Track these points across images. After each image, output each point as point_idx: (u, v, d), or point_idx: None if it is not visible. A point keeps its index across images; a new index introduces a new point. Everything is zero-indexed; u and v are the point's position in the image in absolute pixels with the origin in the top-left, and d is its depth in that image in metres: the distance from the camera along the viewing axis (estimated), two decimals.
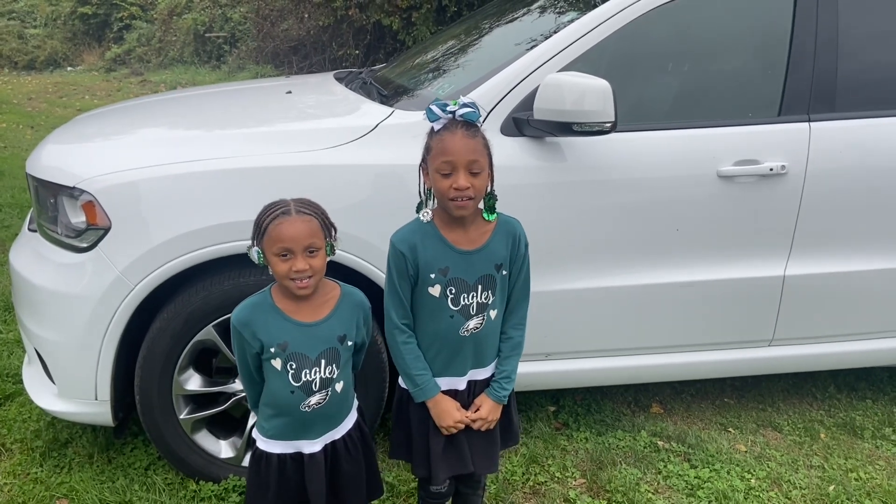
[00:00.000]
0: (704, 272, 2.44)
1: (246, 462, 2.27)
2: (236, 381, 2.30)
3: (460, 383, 1.79)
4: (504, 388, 1.81)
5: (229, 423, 2.43)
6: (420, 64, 3.08)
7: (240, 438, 2.36)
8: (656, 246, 2.40)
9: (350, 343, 1.69)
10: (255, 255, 1.61)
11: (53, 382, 2.30)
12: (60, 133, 2.65)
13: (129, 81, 12.82)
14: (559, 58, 2.28)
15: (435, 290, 1.69)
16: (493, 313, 1.74)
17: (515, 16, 2.95)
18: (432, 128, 1.64)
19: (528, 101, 2.22)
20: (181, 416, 2.27)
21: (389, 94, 2.68)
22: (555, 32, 2.37)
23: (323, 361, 1.65)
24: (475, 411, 1.80)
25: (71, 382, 2.24)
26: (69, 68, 14.92)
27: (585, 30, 2.29)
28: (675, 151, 2.34)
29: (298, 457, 1.72)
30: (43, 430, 2.63)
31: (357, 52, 9.93)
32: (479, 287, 1.70)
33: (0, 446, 2.56)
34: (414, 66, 3.10)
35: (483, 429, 1.80)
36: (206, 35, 13.30)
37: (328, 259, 1.64)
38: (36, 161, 2.36)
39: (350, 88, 2.91)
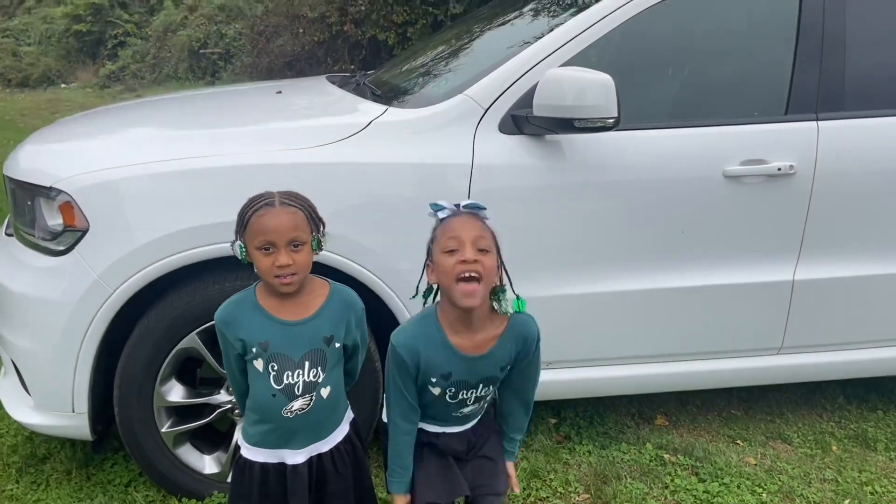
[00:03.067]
0: (710, 276, 2.35)
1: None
2: (221, 392, 2.20)
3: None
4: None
5: (214, 437, 2.32)
6: (415, 66, 3.00)
7: (225, 453, 2.25)
8: (660, 249, 2.31)
9: (338, 345, 1.59)
10: (237, 249, 1.52)
11: (29, 394, 2.19)
12: (39, 134, 2.55)
13: (123, 98, 12.77)
14: (559, 53, 2.20)
15: (435, 390, 1.64)
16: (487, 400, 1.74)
17: (507, 19, 2.88)
18: (437, 222, 1.55)
19: (528, 98, 2.13)
20: (163, 430, 2.16)
21: (384, 93, 2.60)
22: (552, 31, 2.29)
23: (307, 363, 1.54)
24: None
25: (47, 394, 2.13)
26: (63, 85, 14.91)
27: (586, 25, 2.22)
28: (679, 151, 2.26)
29: (281, 468, 1.61)
30: (20, 445, 2.52)
31: (353, 67, 9.92)
32: (480, 385, 1.66)
33: None
34: (408, 67, 3.02)
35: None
36: (201, 51, 13.32)
37: (315, 256, 1.54)
38: (13, 162, 2.27)
39: (345, 90, 2.83)
